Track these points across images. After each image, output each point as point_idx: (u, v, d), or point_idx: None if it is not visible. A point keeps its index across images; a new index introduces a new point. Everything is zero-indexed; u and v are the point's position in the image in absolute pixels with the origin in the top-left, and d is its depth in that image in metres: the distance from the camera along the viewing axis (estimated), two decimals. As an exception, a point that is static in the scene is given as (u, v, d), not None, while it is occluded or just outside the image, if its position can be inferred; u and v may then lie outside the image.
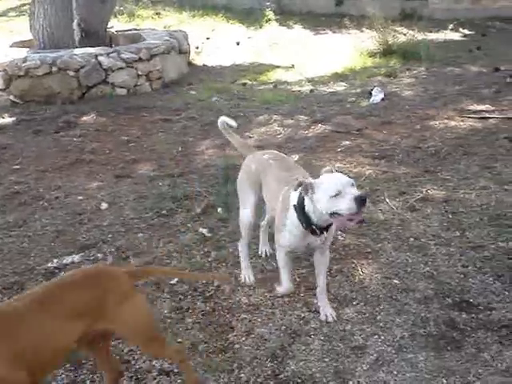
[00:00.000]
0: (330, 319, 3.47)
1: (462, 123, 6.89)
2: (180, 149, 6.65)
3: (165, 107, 8.36)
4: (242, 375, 3.07)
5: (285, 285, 3.53)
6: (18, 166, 6.37)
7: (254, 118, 7.63)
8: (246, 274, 3.94)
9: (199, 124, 7.52)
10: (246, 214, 3.85)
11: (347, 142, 6.48)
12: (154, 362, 3.22)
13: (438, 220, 4.60)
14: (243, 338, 3.37)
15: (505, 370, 3.00)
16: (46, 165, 6.35)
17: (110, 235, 4.71)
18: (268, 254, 4.23)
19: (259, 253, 4.27)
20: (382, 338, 3.30)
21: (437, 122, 6.97)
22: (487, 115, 7.11)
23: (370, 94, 8.24)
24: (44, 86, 8.69)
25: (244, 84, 9.70)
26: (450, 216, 4.65)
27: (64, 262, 4.31)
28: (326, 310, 3.51)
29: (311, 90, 9.02)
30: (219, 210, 4.96)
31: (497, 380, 2.92)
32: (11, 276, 4.16)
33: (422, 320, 3.43)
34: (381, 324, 3.43)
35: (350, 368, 3.08)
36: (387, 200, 4.97)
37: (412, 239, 4.34)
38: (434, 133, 6.61)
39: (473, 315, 3.44)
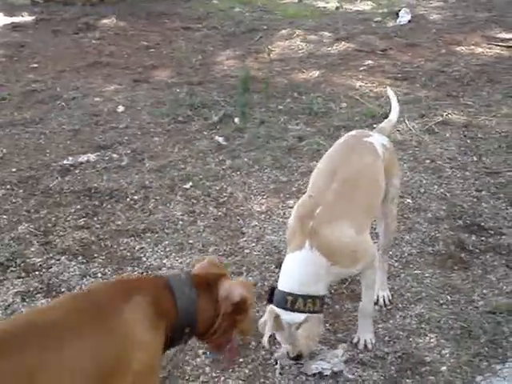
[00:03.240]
0: (369, 346, 2.70)
1: (488, 50, 6.71)
2: (200, 57, 6.56)
3: (186, 15, 8.21)
4: (251, 278, 3.11)
5: None
6: (35, 65, 6.34)
7: (277, 31, 7.46)
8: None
9: (220, 34, 7.39)
10: None
11: (370, 62, 6.35)
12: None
13: (456, 144, 4.55)
14: (253, 244, 3.41)
15: (510, 292, 3.02)
16: (63, 65, 6.32)
17: (125, 137, 4.71)
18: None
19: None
20: (390, 253, 3.28)
21: (463, 48, 6.78)
22: (515, 44, 6.92)
23: (397, 14, 8.00)
24: (64, -14, 8.53)
25: (268, -4, 9.47)
26: (469, 141, 4.60)
27: (79, 160, 4.35)
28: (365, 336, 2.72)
29: (337, 7, 8.79)
30: (236, 119, 4.93)
31: (501, 301, 2.95)
32: (27, 170, 4.22)
33: (431, 239, 3.44)
34: (390, 239, 3.44)
35: (357, 279, 3.11)
36: (406, 121, 4.90)
37: (428, 161, 4.31)
38: (460, 58, 6.44)
39: (482, 238, 3.45)
